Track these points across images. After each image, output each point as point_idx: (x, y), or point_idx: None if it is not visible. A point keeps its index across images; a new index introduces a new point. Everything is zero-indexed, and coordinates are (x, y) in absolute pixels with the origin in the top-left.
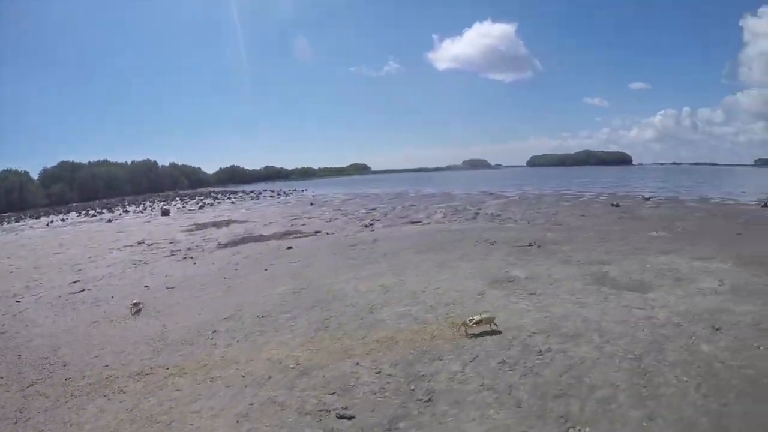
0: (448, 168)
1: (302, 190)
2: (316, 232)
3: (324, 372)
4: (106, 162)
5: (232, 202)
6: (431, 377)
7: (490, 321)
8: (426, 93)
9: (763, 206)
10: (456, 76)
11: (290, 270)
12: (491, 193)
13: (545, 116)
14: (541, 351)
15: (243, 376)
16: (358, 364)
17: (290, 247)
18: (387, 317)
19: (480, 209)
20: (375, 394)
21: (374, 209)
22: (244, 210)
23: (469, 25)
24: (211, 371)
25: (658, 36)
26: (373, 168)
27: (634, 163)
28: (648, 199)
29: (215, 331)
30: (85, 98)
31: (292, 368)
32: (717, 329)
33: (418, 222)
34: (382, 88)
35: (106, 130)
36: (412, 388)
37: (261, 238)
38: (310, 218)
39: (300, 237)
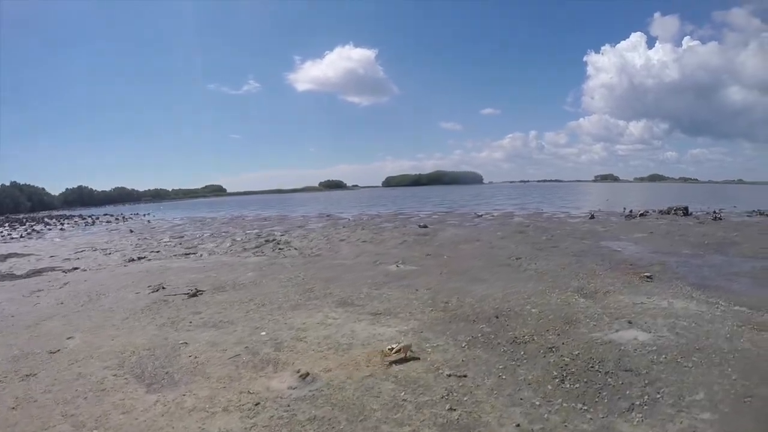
0: (304, 189)
1: (145, 215)
2: (74, 268)
3: None
4: None
5: (61, 229)
6: None
7: (407, 349)
8: (285, 114)
9: (590, 218)
10: (315, 98)
11: None
12: (328, 216)
13: (402, 138)
14: None
15: None
16: None
17: None
18: None
19: (284, 235)
20: None
21: (181, 236)
22: (58, 239)
23: (331, 49)
24: None
25: (508, 66)
26: (230, 190)
27: (485, 181)
28: (480, 216)
29: None
30: None
31: None
32: None
33: (193, 254)
34: (241, 108)
35: None
36: None
37: None
38: (96, 250)
39: (42, 274)
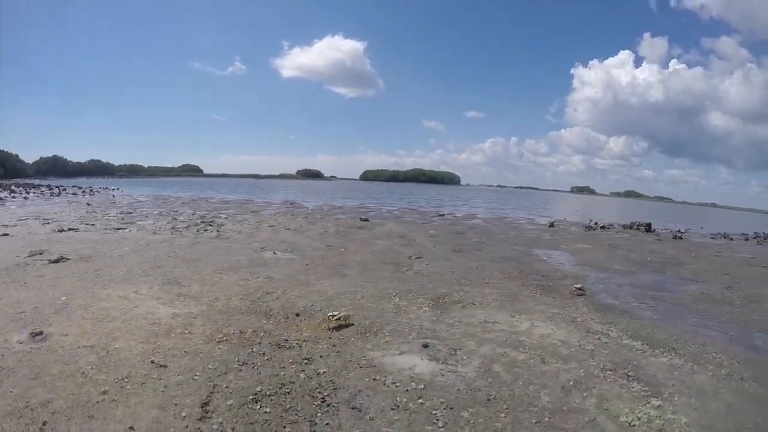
0: (281, 176)
1: (113, 189)
2: (4, 234)
3: None
4: None
5: (25, 198)
6: None
7: (347, 318)
8: (268, 99)
9: (549, 226)
10: (300, 85)
11: None
12: (291, 204)
13: (384, 133)
14: None
15: None
16: None
17: None
18: None
19: (228, 218)
20: None
21: (130, 213)
22: (14, 207)
23: (321, 37)
24: None
25: (495, 72)
26: (206, 171)
27: (462, 183)
28: (442, 215)
29: None
30: None
31: None
32: None
33: (123, 229)
34: (224, 89)
35: None
36: None
37: None
38: (38, 219)
39: None
